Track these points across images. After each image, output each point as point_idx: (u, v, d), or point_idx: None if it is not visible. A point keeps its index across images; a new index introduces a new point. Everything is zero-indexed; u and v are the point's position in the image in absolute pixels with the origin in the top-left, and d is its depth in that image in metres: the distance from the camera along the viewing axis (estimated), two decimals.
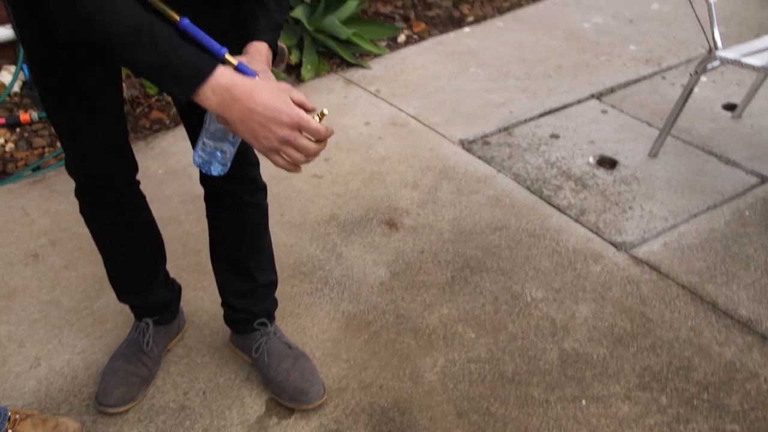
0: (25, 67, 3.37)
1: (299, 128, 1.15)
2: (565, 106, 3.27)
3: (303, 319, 2.16)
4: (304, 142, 1.16)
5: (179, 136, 3.01)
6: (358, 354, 2.03)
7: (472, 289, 2.26)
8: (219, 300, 1.95)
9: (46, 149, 3.01)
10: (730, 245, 2.43)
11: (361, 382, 1.95)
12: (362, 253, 2.42)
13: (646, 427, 1.83)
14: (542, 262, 2.37)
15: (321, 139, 1.18)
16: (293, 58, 3.59)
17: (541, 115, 3.20)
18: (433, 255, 2.41)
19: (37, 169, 2.89)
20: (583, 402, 1.89)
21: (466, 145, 2.99)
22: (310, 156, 1.18)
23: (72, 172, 1.61)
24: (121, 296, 1.90)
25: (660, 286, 2.26)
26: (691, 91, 2.74)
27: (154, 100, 3.30)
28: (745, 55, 2.58)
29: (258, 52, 1.36)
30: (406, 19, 4.14)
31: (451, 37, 3.96)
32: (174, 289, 1.98)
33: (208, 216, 1.76)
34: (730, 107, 3.24)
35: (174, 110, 3.25)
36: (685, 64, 3.65)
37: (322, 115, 1.21)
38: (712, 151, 2.91)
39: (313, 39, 3.66)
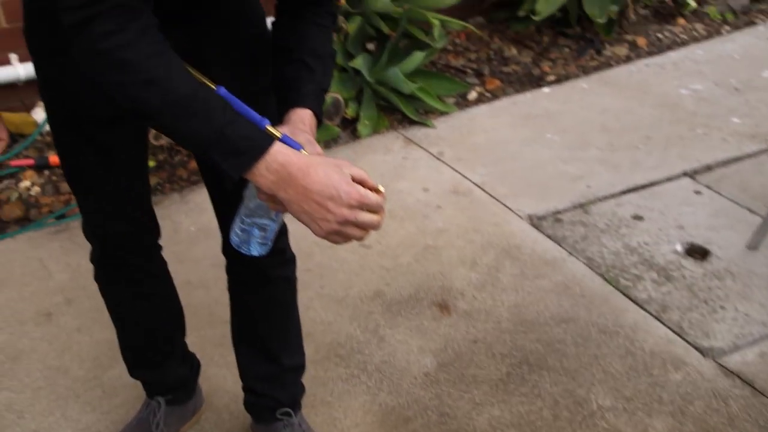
0: None
1: (360, 206, 1.17)
2: (652, 184, 3.22)
3: (334, 409, 2.14)
4: (366, 217, 1.18)
5: None
6: None
7: (529, 390, 2.21)
8: None
9: (73, 196, 3.09)
10: None
11: None
12: (407, 338, 2.40)
13: None
14: (613, 364, 2.31)
15: (381, 211, 1.21)
16: (350, 112, 3.64)
17: (624, 193, 3.17)
18: (487, 346, 2.37)
19: (61, 217, 2.96)
20: None
21: (535, 221, 2.97)
22: (371, 230, 1.20)
23: (88, 234, 1.65)
24: (133, 371, 1.91)
25: (753, 405, 2.17)
26: None
27: None
28: None
29: (301, 120, 1.37)
30: (479, 75, 4.18)
31: (527, 98, 3.97)
32: (192, 366, 1.99)
33: (230, 289, 1.77)
34: None
35: None
36: None
37: (376, 192, 1.23)
38: None
39: (373, 91, 3.71)
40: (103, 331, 2.37)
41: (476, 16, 4.71)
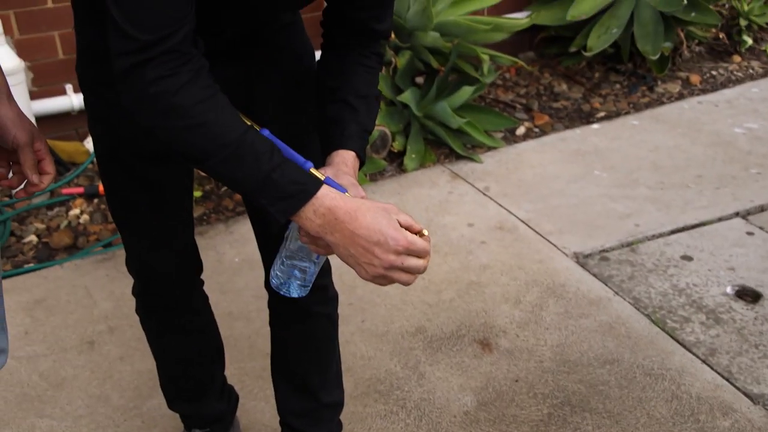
0: None
1: (407, 252, 1.18)
2: (702, 224, 3.17)
3: None
4: (413, 262, 1.19)
5: None
6: None
7: None
8: None
9: None
10: None
11: None
12: (448, 375, 2.39)
13: None
14: (658, 408, 2.26)
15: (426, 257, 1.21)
16: (397, 145, 3.65)
17: (673, 232, 3.12)
18: (529, 385, 2.34)
19: (108, 245, 3.01)
20: None
21: (581, 259, 2.94)
22: (417, 274, 1.21)
23: (131, 268, 1.67)
24: (171, 404, 1.93)
25: None
26: None
27: None
28: None
29: (344, 162, 1.38)
30: (527, 110, 4.17)
31: (576, 134, 3.95)
32: (230, 400, 2.00)
33: (270, 323, 1.78)
34: None
35: None
36: None
37: (421, 236, 1.23)
38: None
39: (421, 125, 3.73)
40: (145, 361, 2.39)
41: (527, 51, 4.71)
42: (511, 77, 4.51)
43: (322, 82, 1.48)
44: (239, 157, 1.15)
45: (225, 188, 3.38)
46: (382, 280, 1.20)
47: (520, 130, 3.97)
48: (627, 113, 4.16)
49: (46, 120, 3.47)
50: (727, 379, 2.37)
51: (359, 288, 2.73)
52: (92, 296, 2.70)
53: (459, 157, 3.69)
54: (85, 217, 3.19)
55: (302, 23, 1.55)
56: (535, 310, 2.67)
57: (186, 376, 1.85)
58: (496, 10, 4.23)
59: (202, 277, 1.77)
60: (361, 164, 1.42)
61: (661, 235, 3.10)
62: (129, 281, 1.75)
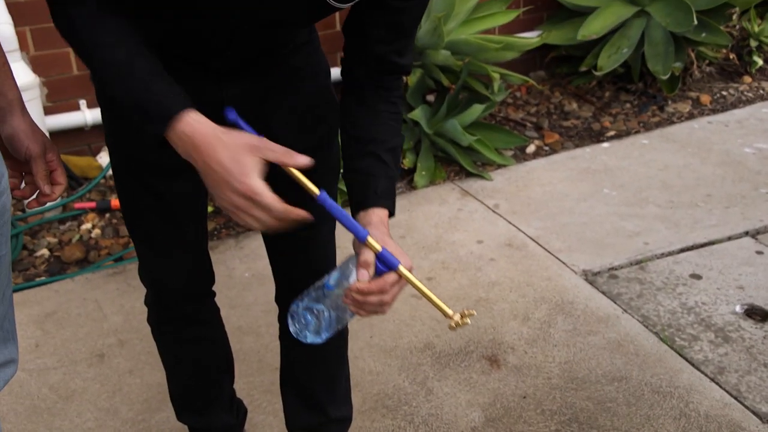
0: None
1: (251, 200, 1.18)
2: (711, 243, 3.17)
3: None
4: (258, 213, 1.19)
5: None
6: None
7: None
8: None
9: (131, 240, 3.17)
10: None
11: None
12: (456, 391, 2.39)
13: None
14: (666, 425, 2.26)
15: (280, 218, 1.21)
16: (407, 162, 3.68)
17: (682, 251, 3.12)
18: (537, 402, 2.35)
19: (119, 259, 3.04)
20: None
21: (590, 277, 2.95)
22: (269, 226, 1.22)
23: (144, 279, 1.69)
24: (180, 415, 1.94)
25: None
26: None
27: None
28: None
29: (382, 222, 1.38)
30: (538, 128, 4.18)
31: (586, 152, 3.96)
32: (238, 413, 2.01)
33: (280, 337, 1.79)
34: None
35: None
36: None
37: (464, 319, 1.38)
38: None
39: (431, 143, 3.75)
40: (154, 374, 2.41)
41: (537, 70, 4.73)
42: (522, 96, 4.53)
43: (348, 131, 1.47)
44: (119, 76, 1.21)
45: None
46: (233, 215, 1.22)
47: (530, 149, 3.99)
48: (637, 132, 4.18)
49: (59, 135, 3.50)
50: (736, 398, 2.37)
51: None
52: (102, 310, 2.72)
53: (469, 175, 3.71)
54: (96, 231, 3.22)
55: (318, 41, 1.55)
56: (543, 327, 2.67)
57: (195, 385, 1.86)
58: (507, 29, 4.26)
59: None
60: (391, 215, 1.43)
61: (670, 254, 3.10)
62: (139, 295, 1.77)
